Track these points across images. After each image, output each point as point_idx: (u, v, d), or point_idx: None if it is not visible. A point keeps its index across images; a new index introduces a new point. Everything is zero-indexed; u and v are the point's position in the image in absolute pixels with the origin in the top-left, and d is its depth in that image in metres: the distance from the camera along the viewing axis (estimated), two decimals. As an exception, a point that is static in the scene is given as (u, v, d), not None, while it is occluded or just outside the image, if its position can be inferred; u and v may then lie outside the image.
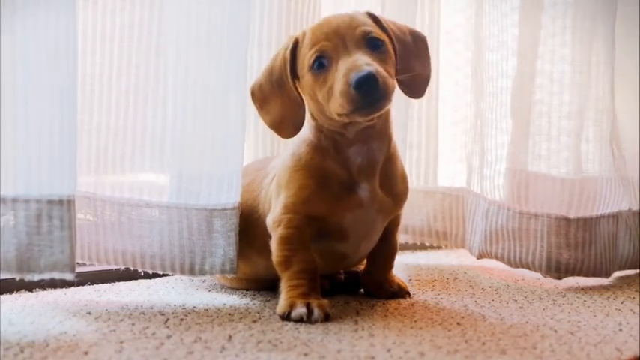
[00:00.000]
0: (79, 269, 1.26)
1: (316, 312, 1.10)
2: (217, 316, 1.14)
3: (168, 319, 1.11)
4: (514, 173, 1.54)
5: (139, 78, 1.26)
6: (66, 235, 1.08)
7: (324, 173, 1.18)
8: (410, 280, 1.46)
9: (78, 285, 1.33)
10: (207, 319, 1.12)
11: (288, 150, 1.23)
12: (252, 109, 1.43)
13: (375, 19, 1.18)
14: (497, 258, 1.53)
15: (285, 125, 1.19)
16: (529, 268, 1.49)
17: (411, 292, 1.32)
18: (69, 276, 1.08)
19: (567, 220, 1.46)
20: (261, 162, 1.37)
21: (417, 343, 1.00)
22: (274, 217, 1.19)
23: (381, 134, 1.19)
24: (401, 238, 1.41)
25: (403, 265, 1.61)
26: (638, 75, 1.66)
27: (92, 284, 1.36)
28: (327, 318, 1.12)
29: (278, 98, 1.18)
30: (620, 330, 1.10)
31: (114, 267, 1.34)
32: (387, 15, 1.56)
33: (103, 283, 1.37)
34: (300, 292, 1.14)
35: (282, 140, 1.49)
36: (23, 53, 1.06)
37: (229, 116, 1.24)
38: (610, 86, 1.54)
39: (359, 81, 1.05)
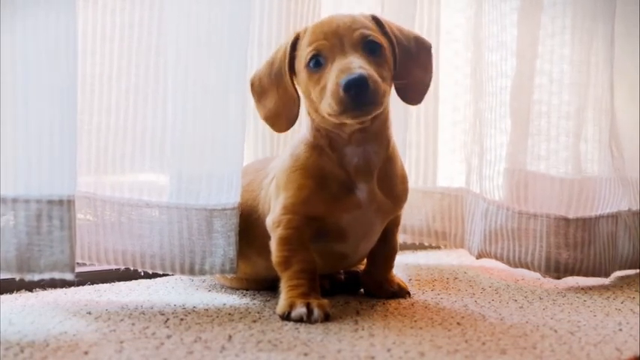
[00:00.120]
0: (79, 269, 1.26)
1: (316, 312, 1.11)
2: (217, 316, 1.14)
3: (168, 319, 1.11)
4: (513, 173, 1.54)
5: (139, 78, 1.26)
6: (66, 235, 1.08)
7: (322, 173, 1.18)
8: (410, 280, 1.46)
9: (78, 285, 1.33)
10: (207, 319, 1.12)
11: (288, 150, 1.24)
12: (252, 109, 1.44)
13: (378, 22, 1.18)
14: (496, 258, 1.53)
15: (279, 119, 1.20)
16: (528, 268, 1.49)
17: (411, 292, 1.33)
18: (69, 276, 1.08)
19: (566, 220, 1.46)
20: (261, 162, 1.37)
21: (417, 343, 1.00)
22: (274, 217, 1.19)
23: (377, 136, 1.19)
24: (400, 237, 1.42)
25: (403, 265, 1.61)
26: (637, 75, 1.66)
27: (92, 284, 1.36)
28: (327, 318, 1.12)
29: (275, 92, 1.19)
30: (620, 330, 1.10)
31: (114, 267, 1.34)
32: (387, 15, 1.56)
33: (103, 283, 1.37)
34: (300, 292, 1.14)
35: (282, 140, 1.49)
36: (23, 53, 1.06)
37: (229, 116, 1.24)
38: (609, 86, 1.54)
39: (349, 83, 1.05)
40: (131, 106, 1.26)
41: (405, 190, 1.26)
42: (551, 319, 1.17)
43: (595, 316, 1.20)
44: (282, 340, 1.01)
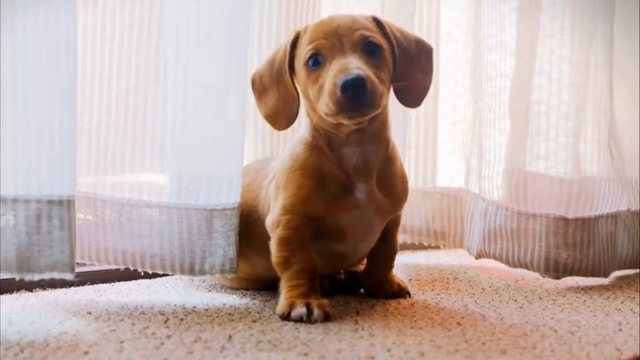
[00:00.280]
0: (79, 269, 1.27)
1: (316, 312, 1.11)
2: (217, 316, 1.14)
3: (168, 319, 1.11)
4: (512, 173, 1.54)
5: (139, 78, 1.26)
6: (66, 235, 1.08)
7: (321, 173, 1.18)
8: (410, 280, 1.46)
9: (78, 285, 1.33)
10: (207, 319, 1.12)
11: (287, 150, 1.24)
12: (252, 109, 1.44)
13: (379, 23, 1.18)
14: (495, 258, 1.53)
15: (279, 118, 1.20)
16: (527, 268, 1.49)
17: (411, 292, 1.33)
18: (69, 276, 1.09)
19: (566, 220, 1.47)
20: (262, 162, 1.37)
21: (417, 343, 1.00)
22: (273, 218, 1.19)
23: (376, 137, 1.19)
24: (400, 237, 1.42)
25: (403, 265, 1.61)
26: (636, 75, 1.66)
27: (92, 284, 1.36)
28: (327, 318, 1.12)
29: (275, 90, 1.19)
30: (620, 330, 1.10)
31: (114, 267, 1.34)
32: (386, 15, 1.56)
33: (103, 283, 1.37)
34: (299, 293, 1.14)
35: (282, 140, 1.49)
36: (23, 53, 1.06)
37: (229, 116, 1.24)
38: (608, 86, 1.54)
39: (345, 84, 1.05)
40: (131, 106, 1.26)
41: (405, 191, 1.26)
42: (551, 319, 1.17)
43: (595, 316, 1.20)
44: (282, 340, 1.01)
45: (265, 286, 1.31)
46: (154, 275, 1.37)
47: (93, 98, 1.26)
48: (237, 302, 1.25)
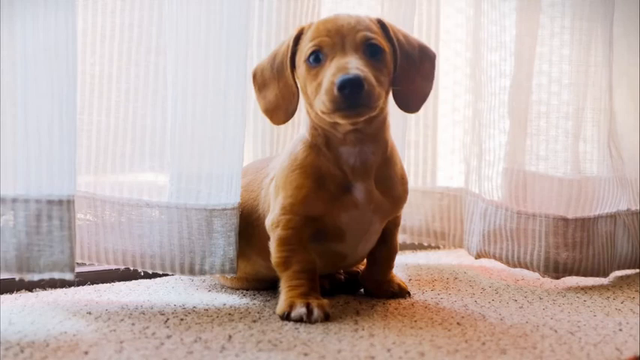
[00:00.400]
0: (79, 269, 1.27)
1: (316, 312, 1.11)
2: (217, 316, 1.14)
3: (168, 319, 1.11)
4: (512, 173, 1.54)
5: (139, 78, 1.26)
6: (65, 235, 1.08)
7: (319, 172, 1.18)
8: (410, 280, 1.46)
9: (78, 285, 1.33)
10: (207, 319, 1.12)
11: (287, 149, 1.24)
12: (252, 109, 1.44)
13: (383, 27, 1.18)
14: (495, 258, 1.53)
15: (278, 112, 1.20)
16: (527, 268, 1.49)
17: (411, 292, 1.33)
18: (68, 276, 1.09)
19: (565, 220, 1.47)
20: (262, 162, 1.37)
21: (417, 343, 1.00)
22: (273, 218, 1.19)
23: (374, 139, 1.19)
24: (400, 237, 1.42)
25: (403, 265, 1.61)
26: (636, 75, 1.66)
27: (92, 284, 1.36)
28: (327, 318, 1.12)
29: (276, 85, 1.19)
30: (620, 330, 1.10)
31: (114, 267, 1.34)
32: (386, 15, 1.56)
33: (103, 283, 1.37)
34: (299, 293, 1.14)
35: (282, 140, 1.49)
36: (23, 53, 1.06)
37: (229, 116, 1.24)
38: (608, 86, 1.54)
39: (343, 82, 1.05)
40: (131, 106, 1.26)
41: (405, 192, 1.26)
42: (551, 319, 1.17)
43: (595, 316, 1.20)
44: (282, 340, 1.01)
45: (265, 285, 1.31)
46: (154, 275, 1.37)
47: (93, 98, 1.26)
48: (237, 302, 1.25)
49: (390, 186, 1.22)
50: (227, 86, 1.23)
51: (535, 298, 1.33)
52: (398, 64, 1.18)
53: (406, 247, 1.81)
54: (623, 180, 1.57)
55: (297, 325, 1.09)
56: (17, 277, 1.07)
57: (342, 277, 1.36)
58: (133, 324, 1.08)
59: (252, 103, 1.45)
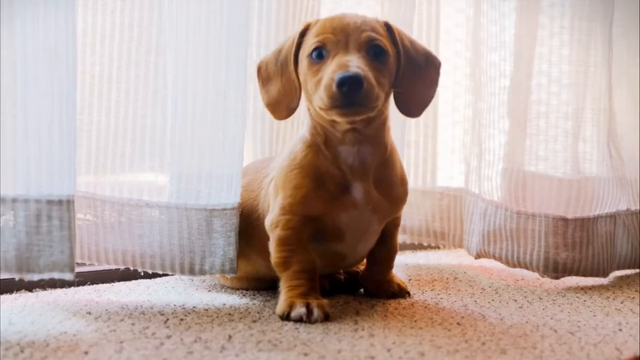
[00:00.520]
0: (79, 269, 1.27)
1: (316, 312, 1.11)
2: (217, 316, 1.14)
3: (168, 319, 1.11)
4: (512, 173, 1.54)
5: (139, 78, 1.26)
6: (65, 235, 1.08)
7: (319, 172, 1.18)
8: (410, 280, 1.46)
9: (78, 285, 1.33)
10: (207, 319, 1.12)
11: (287, 149, 1.24)
12: (252, 109, 1.44)
13: (390, 29, 1.18)
14: (495, 258, 1.54)
15: (279, 107, 1.21)
16: (527, 268, 1.49)
17: (411, 292, 1.33)
18: (68, 276, 1.08)
19: (565, 220, 1.47)
20: (263, 161, 1.37)
21: (417, 343, 1.00)
22: (272, 218, 1.19)
23: (373, 140, 1.19)
24: (399, 237, 1.42)
25: (403, 265, 1.61)
26: (636, 75, 1.66)
27: (92, 284, 1.35)
28: (326, 318, 1.12)
29: (279, 80, 1.20)
30: (620, 330, 1.10)
31: (114, 267, 1.34)
32: (386, 15, 1.56)
33: (103, 283, 1.37)
34: (299, 293, 1.14)
35: (281, 140, 1.49)
36: (23, 53, 1.06)
37: (229, 116, 1.24)
38: (608, 86, 1.54)
39: (342, 80, 1.06)
40: (131, 106, 1.26)
41: (405, 193, 1.26)
42: (551, 319, 1.17)
43: (595, 316, 1.20)
44: (282, 340, 1.01)
45: (265, 285, 1.31)
46: (154, 275, 1.37)
47: (93, 98, 1.26)
48: (237, 302, 1.25)
49: (389, 187, 1.22)
50: (227, 86, 1.23)
51: (535, 298, 1.33)
52: (401, 68, 1.18)
53: (406, 247, 1.81)
54: (623, 180, 1.57)
55: (297, 325, 1.09)
56: (17, 277, 1.07)
57: (342, 277, 1.36)
58: (133, 324, 1.08)
59: (251, 103, 1.45)
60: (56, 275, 1.08)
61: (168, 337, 1.01)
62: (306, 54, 1.15)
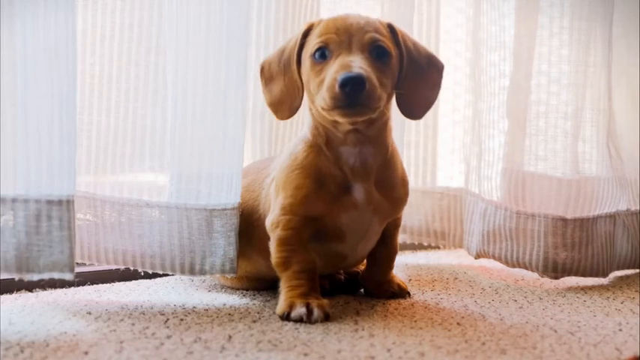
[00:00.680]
0: (78, 269, 1.27)
1: (316, 312, 1.11)
2: (217, 316, 1.14)
3: (168, 319, 1.11)
4: (511, 173, 1.54)
5: (139, 78, 1.26)
6: (65, 235, 1.08)
7: (319, 172, 1.18)
8: (410, 280, 1.46)
9: (78, 285, 1.33)
10: (207, 319, 1.12)
11: (288, 149, 1.24)
12: (252, 109, 1.44)
13: (393, 31, 1.18)
14: (494, 258, 1.54)
15: (282, 107, 1.20)
16: (526, 268, 1.49)
17: (411, 292, 1.33)
18: (68, 276, 1.08)
19: (564, 220, 1.47)
20: (264, 162, 1.37)
21: (417, 343, 1.00)
22: (273, 218, 1.19)
23: (375, 141, 1.19)
24: (399, 237, 1.42)
25: (403, 265, 1.61)
26: (635, 75, 1.66)
27: (92, 284, 1.35)
28: (327, 318, 1.12)
29: (282, 79, 1.20)
30: (620, 330, 1.10)
31: (114, 267, 1.34)
32: (386, 15, 1.56)
33: (103, 283, 1.37)
34: (299, 293, 1.14)
35: (281, 140, 1.49)
36: (23, 53, 1.06)
37: (229, 116, 1.24)
38: (607, 86, 1.54)
39: (345, 80, 1.06)
40: (131, 106, 1.26)
41: (405, 194, 1.26)
42: (551, 319, 1.17)
43: (595, 316, 1.20)
44: (282, 340, 1.01)
45: (266, 285, 1.31)
46: (154, 275, 1.37)
47: (93, 98, 1.25)
48: (237, 302, 1.25)
49: (390, 188, 1.22)
50: (227, 86, 1.23)
51: (535, 298, 1.33)
52: (403, 70, 1.18)
53: (406, 247, 1.81)
54: (623, 180, 1.57)
55: (297, 325, 1.09)
56: (17, 277, 1.07)
57: (342, 277, 1.36)
58: (133, 324, 1.08)
59: (251, 103, 1.45)
60: (56, 275, 1.08)
61: (169, 337, 1.01)
62: (308, 54, 1.15)
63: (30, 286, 1.28)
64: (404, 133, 1.60)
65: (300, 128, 1.50)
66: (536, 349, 0.99)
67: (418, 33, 1.66)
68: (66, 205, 1.09)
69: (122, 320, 1.10)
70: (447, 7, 1.73)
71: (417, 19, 1.64)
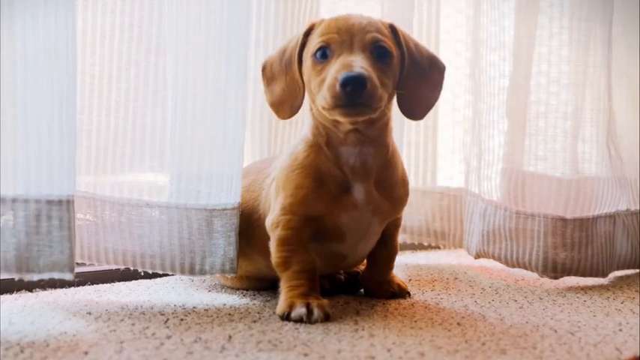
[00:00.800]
0: (78, 269, 1.27)
1: (316, 312, 1.11)
2: (217, 316, 1.14)
3: (168, 320, 1.11)
4: (511, 173, 1.54)
5: (139, 78, 1.26)
6: (65, 235, 1.08)
7: (320, 172, 1.18)
8: (410, 280, 1.46)
9: (78, 285, 1.33)
10: (207, 319, 1.12)
11: (288, 149, 1.24)
12: (251, 109, 1.44)
13: (395, 32, 1.18)
14: (494, 258, 1.54)
15: (283, 107, 1.21)
16: (526, 268, 1.49)
17: (411, 292, 1.33)
18: (68, 276, 1.08)
19: (564, 220, 1.47)
20: (264, 162, 1.37)
21: (417, 343, 1.00)
22: (273, 218, 1.19)
23: (375, 142, 1.19)
24: (399, 237, 1.42)
25: (403, 265, 1.61)
26: (635, 75, 1.66)
27: (92, 284, 1.35)
28: (327, 318, 1.12)
29: (283, 79, 1.20)
30: (620, 330, 1.10)
31: (114, 267, 1.34)
32: (386, 15, 1.56)
33: (103, 283, 1.37)
34: (299, 293, 1.14)
35: (280, 141, 1.49)
36: (23, 53, 1.06)
37: (229, 116, 1.24)
38: (607, 86, 1.54)
39: (346, 79, 1.06)
40: (131, 106, 1.26)
41: (406, 194, 1.26)
42: (551, 319, 1.17)
43: (595, 316, 1.20)
44: (282, 340, 1.01)
45: (266, 285, 1.31)
46: (154, 275, 1.37)
47: (93, 98, 1.25)
48: (237, 302, 1.25)
49: (390, 188, 1.22)
50: (227, 86, 1.23)
51: (535, 298, 1.33)
52: (405, 70, 1.18)
53: (406, 247, 1.81)
54: (622, 180, 1.57)
55: (297, 325, 1.09)
56: (17, 277, 1.07)
57: (342, 277, 1.36)
58: (133, 324, 1.08)
59: (252, 103, 1.45)
60: (56, 275, 1.08)
61: (169, 337, 1.01)
62: (310, 53, 1.15)
63: (30, 286, 1.28)
64: (404, 133, 1.60)
65: (300, 128, 1.50)
66: (536, 349, 0.99)
67: (418, 33, 1.66)
68: (66, 205, 1.09)
69: (122, 320, 1.10)
70: (447, 7, 1.73)
71: (417, 19, 1.64)
